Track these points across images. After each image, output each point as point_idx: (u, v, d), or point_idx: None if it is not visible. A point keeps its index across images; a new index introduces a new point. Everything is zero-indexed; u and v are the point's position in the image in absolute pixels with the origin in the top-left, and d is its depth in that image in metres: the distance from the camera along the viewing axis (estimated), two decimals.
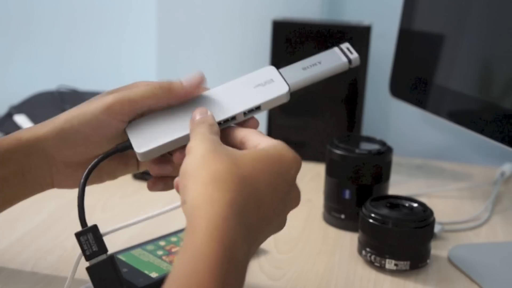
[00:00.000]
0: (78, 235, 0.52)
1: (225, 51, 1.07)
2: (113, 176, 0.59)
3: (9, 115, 0.99)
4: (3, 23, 1.26)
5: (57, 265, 0.63)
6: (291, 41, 0.97)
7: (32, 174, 0.56)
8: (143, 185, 0.87)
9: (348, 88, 0.97)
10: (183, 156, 0.48)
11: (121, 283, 0.53)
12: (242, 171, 0.44)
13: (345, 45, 0.56)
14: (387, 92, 0.90)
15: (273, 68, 0.55)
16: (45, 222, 0.74)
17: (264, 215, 0.45)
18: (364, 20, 0.97)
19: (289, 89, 0.54)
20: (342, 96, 0.97)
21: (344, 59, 0.55)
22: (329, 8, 1.06)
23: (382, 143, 0.76)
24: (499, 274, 0.65)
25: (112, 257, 0.53)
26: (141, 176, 0.88)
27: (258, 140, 0.49)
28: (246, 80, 0.55)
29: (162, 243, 0.66)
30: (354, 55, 0.55)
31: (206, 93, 0.54)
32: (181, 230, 0.69)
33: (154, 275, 0.60)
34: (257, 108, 0.53)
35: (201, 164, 0.45)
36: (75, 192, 0.54)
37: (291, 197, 0.48)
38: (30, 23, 1.24)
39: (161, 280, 0.50)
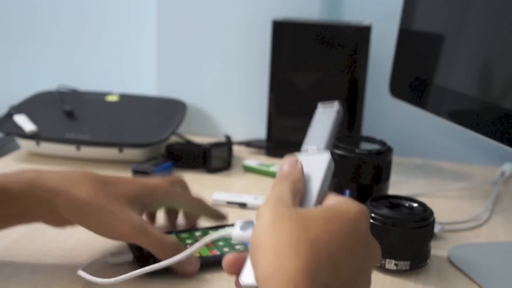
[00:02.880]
0: None
1: (225, 51, 1.07)
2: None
3: (9, 115, 0.98)
4: (3, 23, 1.26)
5: (57, 265, 0.63)
6: (291, 41, 0.97)
7: (31, 212, 0.61)
8: None
9: (348, 88, 0.97)
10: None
11: None
12: (313, 235, 0.42)
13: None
14: (387, 92, 0.90)
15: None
16: None
17: (345, 277, 0.43)
18: (364, 20, 0.97)
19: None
20: (342, 96, 0.97)
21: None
22: (329, 8, 1.06)
23: (382, 143, 0.76)
24: (499, 274, 0.65)
25: None
26: (141, 175, 0.88)
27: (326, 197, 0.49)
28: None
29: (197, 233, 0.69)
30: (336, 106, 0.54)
31: None
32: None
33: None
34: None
35: (269, 233, 0.43)
36: None
37: (370, 253, 0.45)
38: (30, 23, 1.24)
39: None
